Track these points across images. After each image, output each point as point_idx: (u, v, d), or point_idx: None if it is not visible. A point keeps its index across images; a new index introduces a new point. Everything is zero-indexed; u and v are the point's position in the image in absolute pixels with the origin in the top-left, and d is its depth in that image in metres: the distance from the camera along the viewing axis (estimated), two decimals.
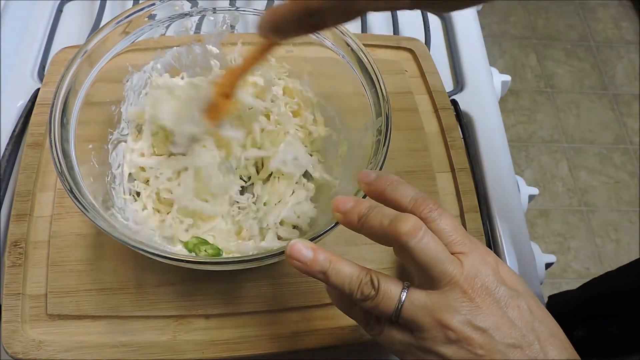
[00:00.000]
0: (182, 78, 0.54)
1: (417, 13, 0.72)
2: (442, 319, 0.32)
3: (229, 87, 0.43)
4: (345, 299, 0.37)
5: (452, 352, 0.32)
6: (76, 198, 0.40)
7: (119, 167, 0.50)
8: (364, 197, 0.39)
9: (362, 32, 0.70)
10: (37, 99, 0.57)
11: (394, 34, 0.70)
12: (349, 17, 0.31)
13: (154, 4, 0.49)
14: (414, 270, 0.34)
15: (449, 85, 0.67)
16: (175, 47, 0.53)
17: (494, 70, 0.71)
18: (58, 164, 0.41)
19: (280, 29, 0.33)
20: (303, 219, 0.48)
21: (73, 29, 0.69)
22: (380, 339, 0.35)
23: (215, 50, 0.54)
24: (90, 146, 0.47)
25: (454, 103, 0.64)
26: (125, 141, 0.51)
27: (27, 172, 0.52)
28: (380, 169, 0.42)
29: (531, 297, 0.34)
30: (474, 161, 0.60)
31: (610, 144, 1.76)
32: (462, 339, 0.32)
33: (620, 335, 0.64)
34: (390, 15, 0.72)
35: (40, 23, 0.68)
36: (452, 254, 0.33)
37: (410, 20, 0.71)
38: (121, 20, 0.47)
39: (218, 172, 0.49)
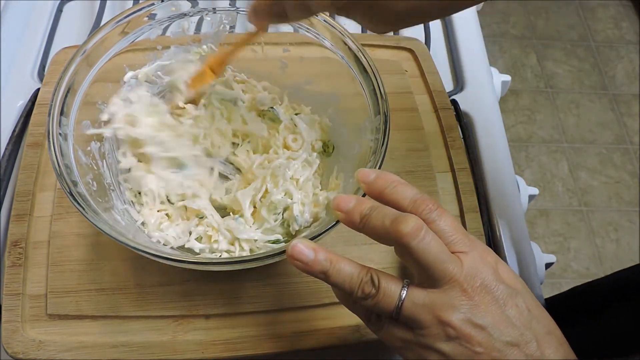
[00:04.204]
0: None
1: None
2: (442, 316, 0.32)
3: (218, 64, 0.49)
4: (347, 295, 0.37)
5: (451, 349, 0.32)
6: (75, 199, 0.40)
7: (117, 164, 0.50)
8: (364, 195, 0.39)
9: (362, 32, 0.70)
10: (37, 99, 0.58)
11: (394, 34, 0.70)
12: (303, 14, 0.41)
13: (153, 4, 0.49)
14: (414, 270, 0.34)
15: (449, 85, 0.67)
16: (172, 48, 0.53)
17: (494, 70, 0.71)
18: (57, 165, 0.41)
19: (257, 14, 0.43)
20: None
21: (73, 29, 0.69)
22: (381, 335, 0.36)
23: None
24: (89, 146, 0.47)
25: (454, 103, 0.64)
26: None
27: (27, 172, 0.52)
28: (379, 168, 0.42)
29: (529, 296, 0.35)
30: (474, 161, 0.60)
31: (610, 144, 1.76)
32: (462, 336, 0.32)
33: (620, 330, 0.64)
34: None
35: (40, 23, 0.68)
36: (452, 253, 0.34)
37: None
38: (120, 20, 0.47)
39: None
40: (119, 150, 0.50)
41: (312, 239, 0.38)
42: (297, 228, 0.48)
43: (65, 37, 0.68)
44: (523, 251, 0.56)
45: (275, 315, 0.48)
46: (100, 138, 0.48)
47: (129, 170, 0.50)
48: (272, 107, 0.54)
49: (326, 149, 0.54)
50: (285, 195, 0.48)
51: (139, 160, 0.50)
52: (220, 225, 0.48)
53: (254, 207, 0.49)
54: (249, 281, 0.49)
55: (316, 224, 0.48)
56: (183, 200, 0.49)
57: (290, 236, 0.48)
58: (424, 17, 0.40)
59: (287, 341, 0.47)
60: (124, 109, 0.50)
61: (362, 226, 0.35)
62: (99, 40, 0.46)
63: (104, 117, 0.49)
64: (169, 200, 0.50)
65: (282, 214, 0.48)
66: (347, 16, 0.40)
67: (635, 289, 0.64)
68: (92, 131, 0.47)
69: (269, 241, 0.48)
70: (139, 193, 0.50)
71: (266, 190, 0.49)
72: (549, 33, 2.00)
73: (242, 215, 0.49)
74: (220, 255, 0.47)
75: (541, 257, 0.58)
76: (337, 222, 0.39)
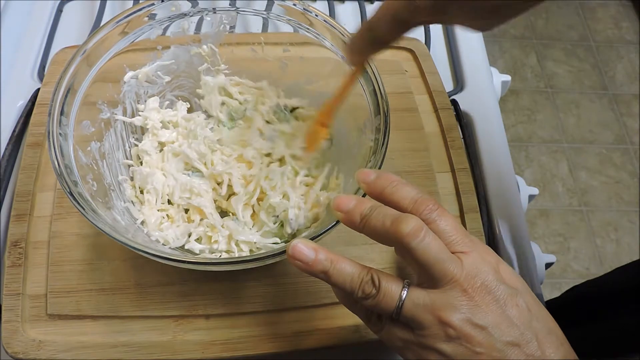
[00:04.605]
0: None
1: None
2: (442, 316, 0.32)
3: (327, 116, 0.47)
4: (348, 295, 0.37)
5: (451, 349, 0.32)
6: (75, 199, 0.40)
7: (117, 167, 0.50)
8: (364, 195, 0.39)
9: None
10: (37, 99, 0.58)
11: None
12: (400, 30, 0.37)
13: (153, 4, 0.49)
14: (415, 270, 0.34)
15: (449, 85, 0.67)
16: (172, 48, 0.53)
17: (494, 70, 0.71)
18: (57, 165, 0.41)
19: (355, 50, 0.41)
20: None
21: (73, 29, 0.69)
22: (381, 335, 0.36)
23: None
24: (89, 146, 0.47)
25: (454, 103, 0.64)
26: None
27: (27, 172, 0.52)
28: (380, 168, 0.42)
29: (530, 295, 0.35)
30: (474, 161, 0.60)
31: (610, 144, 1.76)
32: (462, 336, 0.32)
33: (620, 333, 0.64)
34: None
35: (40, 23, 0.68)
36: (452, 253, 0.34)
37: None
38: (120, 20, 0.47)
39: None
40: (143, 136, 0.52)
41: (312, 239, 0.38)
42: (289, 231, 0.48)
43: (65, 37, 0.68)
44: (523, 251, 0.56)
45: (275, 315, 0.48)
46: (100, 138, 0.48)
47: (140, 163, 0.51)
48: (284, 110, 0.54)
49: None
50: (283, 197, 0.48)
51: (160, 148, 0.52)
52: (218, 223, 0.48)
53: (253, 210, 0.49)
54: (249, 281, 0.49)
55: (316, 224, 0.48)
56: (188, 200, 0.49)
57: (290, 237, 0.48)
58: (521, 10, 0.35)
59: (287, 341, 0.47)
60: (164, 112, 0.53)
61: (363, 226, 0.35)
62: (99, 40, 0.46)
63: (142, 107, 0.52)
64: (169, 202, 0.50)
65: (279, 215, 0.48)
66: (448, 21, 0.36)
67: (636, 290, 0.64)
68: (120, 117, 0.51)
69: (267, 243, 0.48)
70: (142, 192, 0.50)
71: (262, 192, 0.49)
72: (549, 33, 2.00)
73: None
74: (220, 256, 0.47)
75: (541, 257, 0.58)
76: (337, 222, 0.39)
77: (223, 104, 0.55)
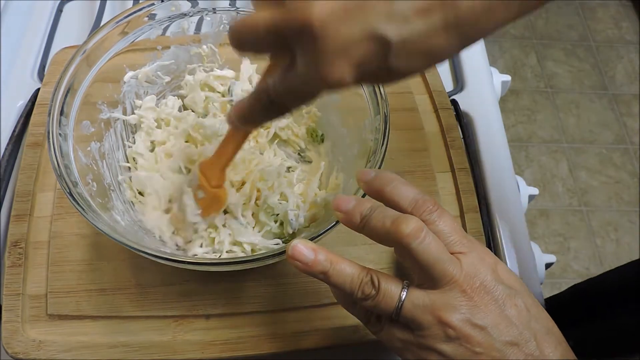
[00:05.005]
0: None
1: None
2: (442, 316, 0.32)
3: (218, 180, 0.44)
4: (347, 296, 0.37)
5: (451, 349, 0.32)
6: (74, 199, 0.40)
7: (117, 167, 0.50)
8: (364, 196, 0.39)
9: None
10: (37, 99, 0.58)
11: None
12: (306, 100, 0.32)
13: (153, 4, 0.49)
14: (414, 270, 0.34)
15: (449, 85, 0.67)
16: (172, 48, 0.53)
17: (494, 70, 0.71)
18: (56, 165, 0.41)
19: (249, 119, 0.35)
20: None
21: (73, 29, 0.69)
22: (381, 336, 0.36)
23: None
24: (89, 146, 0.47)
25: (454, 103, 0.64)
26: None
27: (27, 172, 0.52)
28: (379, 168, 0.42)
29: (528, 295, 0.35)
30: (474, 161, 0.60)
31: (610, 144, 1.76)
32: (462, 336, 0.32)
33: (619, 333, 0.64)
34: None
35: (40, 23, 0.68)
36: (451, 254, 0.34)
37: None
38: (120, 20, 0.48)
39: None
40: (135, 135, 0.52)
41: (311, 239, 0.38)
42: (290, 231, 0.48)
43: (65, 37, 0.68)
44: (523, 251, 0.56)
45: (275, 315, 0.48)
46: (100, 138, 0.48)
47: (136, 168, 0.51)
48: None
49: (315, 137, 0.54)
50: (280, 197, 0.48)
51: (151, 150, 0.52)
52: (219, 222, 0.48)
53: (252, 211, 0.49)
54: (249, 281, 0.49)
55: (315, 223, 0.48)
56: None
57: (290, 237, 0.48)
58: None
59: (287, 341, 0.47)
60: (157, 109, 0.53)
61: (362, 227, 0.35)
62: (99, 40, 0.46)
63: (139, 103, 0.51)
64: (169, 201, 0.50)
65: (278, 214, 0.48)
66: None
67: (635, 290, 0.64)
68: (114, 115, 0.50)
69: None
70: (140, 193, 0.50)
71: (259, 191, 0.49)
72: (549, 33, 2.00)
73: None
74: (221, 256, 0.47)
75: (541, 257, 0.58)
76: (337, 222, 0.39)
77: (207, 99, 0.55)
